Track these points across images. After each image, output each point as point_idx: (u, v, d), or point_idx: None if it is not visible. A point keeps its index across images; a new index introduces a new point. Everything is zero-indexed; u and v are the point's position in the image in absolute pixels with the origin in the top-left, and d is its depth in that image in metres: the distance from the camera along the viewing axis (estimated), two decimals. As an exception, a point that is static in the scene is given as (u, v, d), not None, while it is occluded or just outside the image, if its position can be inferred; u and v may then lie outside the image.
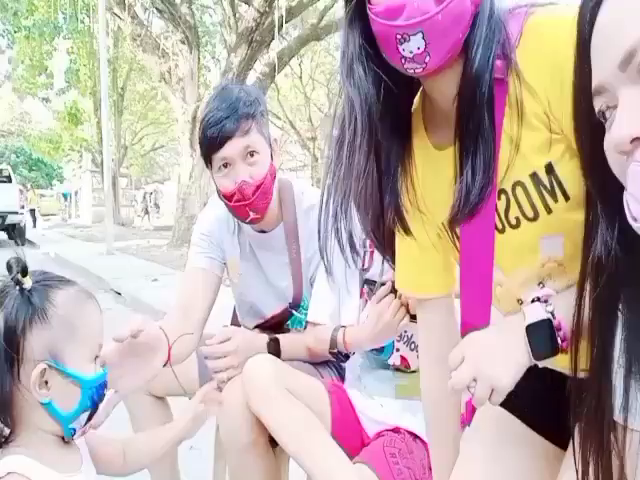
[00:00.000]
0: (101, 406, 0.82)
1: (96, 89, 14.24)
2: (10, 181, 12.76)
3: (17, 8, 10.12)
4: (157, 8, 8.49)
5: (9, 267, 0.75)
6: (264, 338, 1.35)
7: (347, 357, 1.35)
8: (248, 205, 1.27)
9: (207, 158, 1.30)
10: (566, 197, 0.74)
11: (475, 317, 0.83)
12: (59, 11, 10.42)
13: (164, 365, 1.08)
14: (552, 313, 0.73)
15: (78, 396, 0.77)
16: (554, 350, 0.72)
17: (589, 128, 0.57)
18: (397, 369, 1.23)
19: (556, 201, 0.75)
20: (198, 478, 1.54)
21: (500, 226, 0.80)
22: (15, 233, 12.69)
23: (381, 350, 1.22)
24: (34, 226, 19.07)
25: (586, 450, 0.64)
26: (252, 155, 1.27)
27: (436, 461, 1.01)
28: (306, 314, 1.42)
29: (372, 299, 1.20)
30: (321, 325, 1.34)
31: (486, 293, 0.83)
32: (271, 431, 1.13)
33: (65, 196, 27.88)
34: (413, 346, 1.20)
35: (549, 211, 0.76)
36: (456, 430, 0.98)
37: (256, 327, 1.54)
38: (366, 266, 1.22)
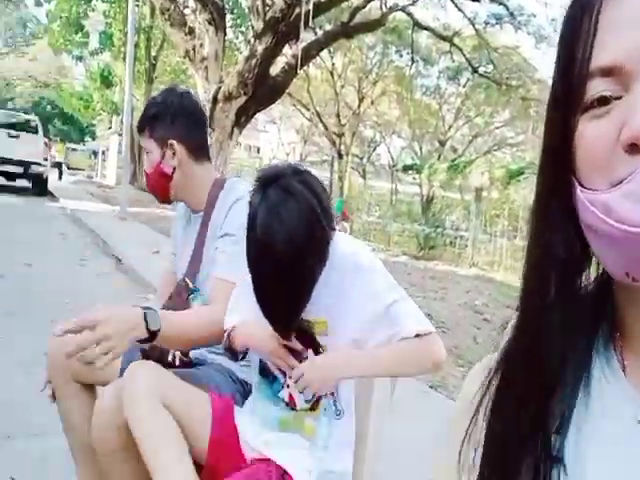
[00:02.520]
0: None
1: (128, 54, 14.24)
2: (37, 132, 12.86)
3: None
4: (188, -16, 8.41)
5: None
6: (139, 312, 1.25)
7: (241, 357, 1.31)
8: (147, 186, 1.70)
9: None
10: None
11: None
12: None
13: None
14: None
15: None
16: None
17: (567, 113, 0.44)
18: (285, 403, 1.26)
19: None
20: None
21: None
22: (37, 183, 13.00)
23: (274, 380, 1.27)
24: (59, 178, 19.32)
25: None
26: (147, 153, 1.65)
27: None
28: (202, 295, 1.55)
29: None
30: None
31: None
32: (137, 444, 1.16)
33: (95, 153, 28.18)
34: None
35: None
36: None
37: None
38: None
